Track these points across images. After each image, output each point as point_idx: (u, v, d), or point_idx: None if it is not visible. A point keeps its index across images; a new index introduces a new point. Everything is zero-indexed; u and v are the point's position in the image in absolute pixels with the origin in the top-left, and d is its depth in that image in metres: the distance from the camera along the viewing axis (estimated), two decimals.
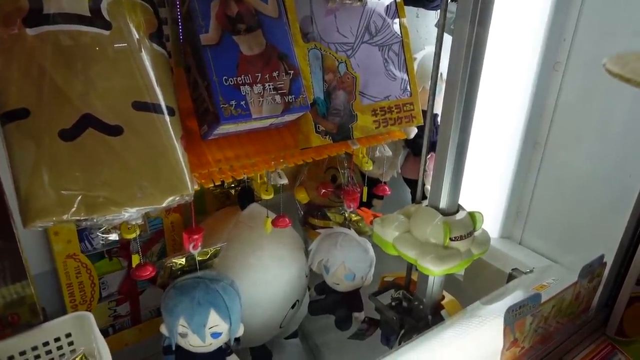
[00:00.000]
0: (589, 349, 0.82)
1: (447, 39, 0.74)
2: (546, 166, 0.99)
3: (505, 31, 0.93)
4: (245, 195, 1.01)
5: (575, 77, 0.91)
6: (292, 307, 0.99)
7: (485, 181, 1.07)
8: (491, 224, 1.10)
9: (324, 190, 1.09)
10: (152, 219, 0.99)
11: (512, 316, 0.66)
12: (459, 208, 0.82)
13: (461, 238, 0.78)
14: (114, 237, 0.88)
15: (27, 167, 0.58)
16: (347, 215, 1.05)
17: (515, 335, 0.68)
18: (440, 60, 0.80)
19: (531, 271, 0.95)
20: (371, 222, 1.06)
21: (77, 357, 0.58)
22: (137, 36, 0.65)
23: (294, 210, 1.20)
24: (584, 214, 0.93)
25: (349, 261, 0.97)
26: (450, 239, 0.76)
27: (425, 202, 0.84)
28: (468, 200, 1.09)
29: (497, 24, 0.94)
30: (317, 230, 1.14)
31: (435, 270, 0.77)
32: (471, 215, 0.82)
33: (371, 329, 1.02)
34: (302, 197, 1.13)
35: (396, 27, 0.92)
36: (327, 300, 1.05)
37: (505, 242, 1.10)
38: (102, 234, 0.88)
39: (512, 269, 0.99)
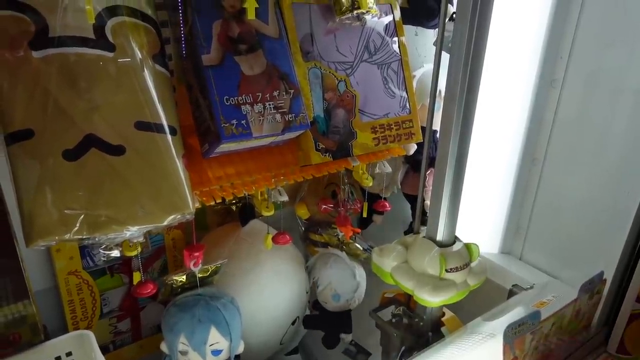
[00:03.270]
0: None
1: (445, 57, 0.75)
2: (545, 182, 0.99)
3: (503, 49, 0.94)
4: (246, 211, 1.02)
5: (572, 93, 0.92)
6: (293, 323, 0.99)
7: (485, 197, 1.08)
8: (491, 240, 1.10)
9: (324, 206, 1.10)
10: (153, 235, 1.00)
11: (512, 334, 0.66)
12: (455, 239, 0.83)
13: (457, 269, 0.78)
14: (115, 253, 0.89)
15: (31, 187, 0.59)
16: (341, 237, 1.06)
17: (515, 353, 0.68)
18: (439, 78, 0.81)
19: (531, 287, 0.95)
20: (350, 238, 1.08)
21: None
22: (140, 57, 0.66)
23: (295, 225, 1.20)
24: (583, 230, 0.94)
25: (335, 282, 1.01)
26: (446, 271, 0.77)
27: (423, 232, 0.84)
28: (468, 217, 1.10)
29: (495, 41, 0.95)
30: (317, 248, 1.15)
31: (431, 302, 0.77)
32: (467, 246, 0.82)
33: (361, 356, 1.03)
34: (303, 212, 1.13)
35: (395, 46, 0.94)
36: (319, 317, 1.06)
37: (505, 257, 1.10)
38: (104, 250, 0.89)
39: (513, 285, 0.99)
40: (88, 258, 0.92)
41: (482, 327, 0.79)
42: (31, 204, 0.58)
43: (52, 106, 0.60)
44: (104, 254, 0.91)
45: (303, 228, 1.18)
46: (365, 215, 1.08)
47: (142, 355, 1.04)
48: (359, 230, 1.11)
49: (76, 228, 0.60)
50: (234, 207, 1.07)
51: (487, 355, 0.71)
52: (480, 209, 1.08)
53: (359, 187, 1.14)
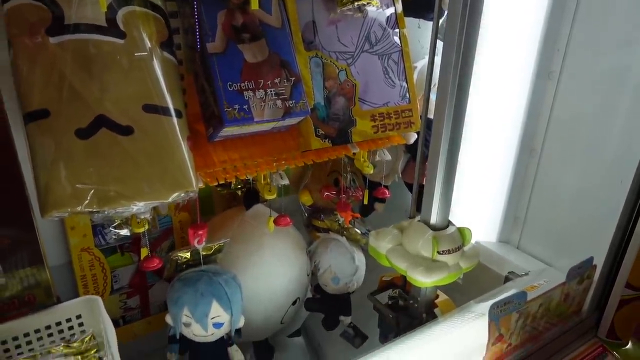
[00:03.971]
0: (579, 350, 0.84)
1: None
2: (542, 172, 1.01)
3: (501, 41, 0.96)
4: (250, 196, 1.06)
5: (569, 85, 0.93)
6: (293, 303, 1.03)
7: (483, 187, 1.10)
8: (489, 229, 1.12)
9: (326, 193, 1.13)
10: (161, 217, 1.04)
11: (497, 312, 0.69)
12: (449, 224, 0.85)
13: (449, 252, 0.81)
14: (125, 232, 0.94)
15: (46, 162, 0.63)
16: (341, 223, 1.10)
17: (501, 330, 0.71)
18: (437, 68, 0.84)
19: (527, 274, 0.97)
20: (349, 223, 1.11)
21: (86, 337, 0.63)
22: (149, 45, 0.71)
23: (299, 212, 1.24)
24: (578, 219, 0.96)
25: (335, 266, 1.04)
26: (439, 253, 0.80)
27: (419, 217, 0.87)
28: (467, 206, 1.13)
29: (492, 34, 0.98)
30: (319, 233, 1.18)
31: (424, 282, 0.80)
32: (460, 230, 0.85)
33: (358, 340, 1.06)
34: (306, 199, 1.17)
35: (396, 37, 0.97)
36: (320, 300, 1.09)
37: (503, 246, 1.12)
38: (115, 229, 0.94)
39: (509, 272, 1.01)
40: (100, 236, 0.97)
41: (473, 308, 0.82)
42: (46, 178, 0.63)
43: (66, 88, 0.65)
44: (115, 232, 0.96)
45: (306, 214, 1.22)
46: (366, 202, 1.11)
47: (150, 331, 1.10)
48: (359, 215, 1.14)
49: (87, 201, 0.65)
50: (239, 192, 1.11)
51: (474, 332, 0.73)
52: (479, 199, 1.10)
53: (360, 175, 1.18)
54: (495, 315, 0.69)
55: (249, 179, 1.08)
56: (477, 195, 1.09)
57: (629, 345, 0.87)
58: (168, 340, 0.87)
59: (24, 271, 0.58)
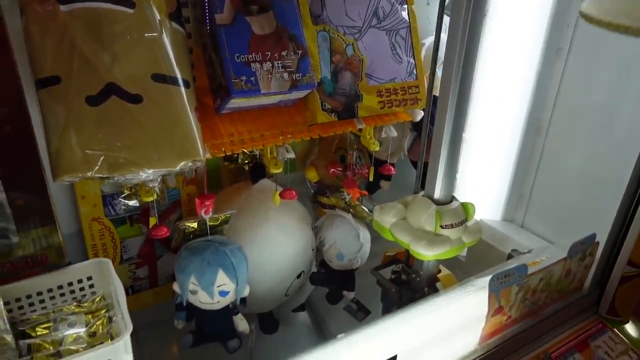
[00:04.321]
0: (579, 326, 0.85)
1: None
2: (548, 151, 1.01)
3: (510, 17, 0.96)
4: (257, 170, 1.07)
5: (577, 63, 0.93)
6: (298, 277, 1.04)
7: (489, 165, 1.10)
8: (494, 208, 1.13)
9: (332, 170, 1.14)
10: (170, 189, 1.06)
11: (497, 284, 0.70)
12: (452, 199, 0.86)
13: (452, 226, 0.82)
14: (134, 202, 0.97)
15: (57, 128, 0.65)
16: (347, 200, 1.11)
17: (501, 302, 0.72)
18: (443, 44, 0.84)
19: (529, 252, 0.98)
20: (357, 199, 1.12)
21: (97, 297, 0.66)
22: (157, 15, 0.71)
23: (305, 189, 1.26)
24: (583, 198, 0.96)
25: (340, 242, 1.04)
26: (441, 227, 0.81)
27: (423, 192, 0.88)
28: (472, 185, 1.13)
29: (501, 9, 0.97)
30: (325, 209, 1.20)
31: (426, 255, 0.81)
32: (464, 206, 0.86)
33: (361, 314, 1.07)
34: (313, 176, 1.18)
35: (404, 13, 0.96)
36: (325, 275, 1.11)
37: (507, 225, 1.12)
38: (124, 199, 0.96)
39: (512, 250, 1.02)
40: (110, 206, 0.99)
41: (474, 282, 0.83)
42: (58, 143, 0.65)
43: (77, 56, 0.66)
44: (124, 202, 0.99)
45: (312, 191, 1.23)
46: (371, 179, 1.12)
47: (158, 301, 1.12)
48: (366, 193, 1.15)
49: (97, 167, 0.66)
50: (246, 167, 1.13)
51: (474, 303, 0.75)
52: (484, 177, 1.11)
53: (367, 152, 1.18)
54: (496, 287, 0.70)
55: (255, 154, 1.09)
56: (482, 174, 1.10)
57: (629, 323, 0.87)
58: (175, 308, 0.89)
59: (37, 231, 0.60)
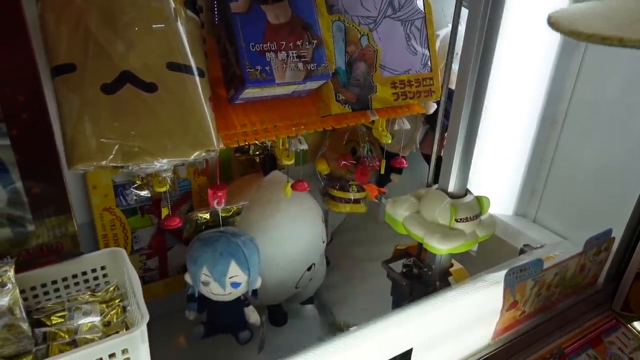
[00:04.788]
0: (593, 321, 0.85)
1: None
2: (563, 145, 1.00)
3: (528, 11, 0.94)
4: (268, 162, 1.07)
5: (595, 57, 0.91)
6: (308, 269, 1.04)
7: (502, 160, 1.09)
8: (507, 202, 1.12)
9: (343, 162, 1.13)
10: (181, 180, 1.06)
11: (513, 278, 0.69)
12: (467, 192, 0.85)
13: (467, 220, 0.81)
14: (145, 193, 0.96)
15: (72, 116, 0.64)
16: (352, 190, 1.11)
17: (516, 297, 0.71)
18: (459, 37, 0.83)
19: (542, 246, 0.97)
20: (376, 197, 1.11)
21: (111, 287, 0.66)
22: (172, 3, 0.71)
23: (315, 181, 1.25)
24: (597, 193, 0.95)
25: None
26: (456, 220, 0.80)
27: (436, 185, 0.87)
28: (485, 178, 1.12)
29: (519, 4, 0.96)
30: (335, 202, 1.19)
31: (440, 249, 0.81)
32: (478, 199, 0.85)
33: None
34: (323, 168, 1.18)
35: (419, 3, 0.95)
36: None
37: (519, 219, 1.12)
38: (136, 189, 0.96)
39: (524, 245, 1.01)
40: (121, 197, 0.99)
41: (487, 277, 0.82)
42: (72, 131, 0.64)
43: (92, 43, 0.65)
44: (136, 193, 0.98)
45: (322, 183, 1.22)
46: (382, 172, 1.12)
47: (168, 293, 1.12)
48: (385, 190, 1.15)
49: (112, 156, 0.66)
50: (257, 159, 1.12)
51: (488, 298, 0.74)
52: (497, 171, 1.10)
53: (378, 145, 1.17)
54: (511, 281, 0.69)
55: (267, 146, 1.09)
56: (495, 167, 1.09)
57: None
58: (187, 299, 0.89)
59: (52, 220, 0.60)
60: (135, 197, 1.00)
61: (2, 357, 0.52)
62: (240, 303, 0.89)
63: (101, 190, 0.96)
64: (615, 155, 0.91)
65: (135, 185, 0.96)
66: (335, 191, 1.19)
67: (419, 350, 0.61)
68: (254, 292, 0.89)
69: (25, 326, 0.55)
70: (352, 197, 1.18)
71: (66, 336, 0.57)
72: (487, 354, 0.71)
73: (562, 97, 0.98)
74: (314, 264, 1.06)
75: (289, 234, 0.99)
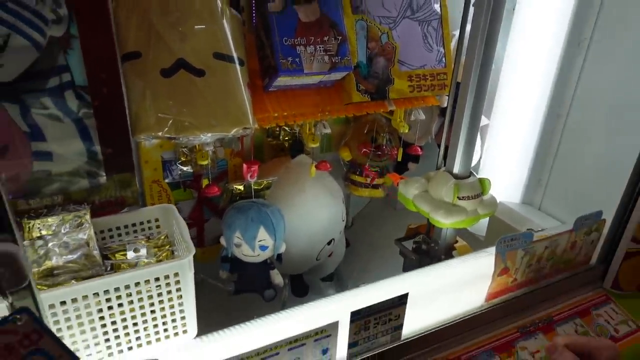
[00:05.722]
0: (584, 296, 0.93)
1: None
2: (567, 137, 1.08)
3: (536, 11, 1.03)
4: (295, 146, 1.19)
5: (598, 53, 0.99)
6: (328, 243, 1.16)
7: (510, 150, 1.18)
8: (514, 191, 1.21)
9: (364, 150, 1.25)
10: (219, 160, 1.19)
11: (504, 246, 0.79)
12: (470, 174, 0.95)
13: (468, 198, 0.91)
14: (188, 168, 1.11)
15: (137, 95, 0.79)
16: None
17: (507, 264, 0.81)
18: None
19: (542, 230, 1.05)
20: (398, 184, 1.22)
21: (162, 236, 0.79)
22: (219, 3, 0.84)
23: (339, 169, 1.37)
24: (597, 182, 1.02)
25: None
26: (459, 198, 0.90)
27: (444, 168, 0.98)
28: (494, 168, 1.21)
29: (527, 4, 1.05)
30: (355, 186, 1.31)
31: (444, 222, 0.91)
32: (481, 181, 0.94)
33: None
34: (346, 155, 1.29)
35: (436, 5, 1.05)
36: None
37: (526, 207, 1.20)
38: (181, 165, 1.10)
39: (527, 229, 1.09)
40: (168, 171, 1.14)
41: (486, 250, 0.92)
42: (137, 108, 0.79)
43: (154, 35, 0.80)
44: (180, 168, 1.13)
45: (345, 169, 1.34)
46: (400, 159, 1.22)
47: (204, 262, 1.26)
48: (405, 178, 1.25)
49: (167, 128, 0.80)
50: (286, 144, 1.25)
51: (483, 264, 0.84)
52: (506, 162, 1.19)
53: (396, 135, 1.28)
54: (502, 249, 0.79)
55: (295, 132, 1.21)
56: (504, 158, 1.17)
57: (633, 297, 0.94)
58: (221, 260, 1.02)
59: (119, 176, 0.74)
60: (179, 172, 1.14)
61: (81, 278, 0.66)
62: (266, 266, 1.01)
63: (151, 164, 1.10)
64: (611, 146, 0.99)
65: (180, 161, 1.11)
66: (356, 176, 1.30)
67: (415, 299, 0.71)
68: (279, 256, 1.01)
69: (97, 256, 0.69)
70: (371, 183, 1.29)
71: (127, 267, 0.71)
72: (480, 313, 0.80)
73: (565, 92, 1.06)
74: (333, 239, 1.17)
75: (312, 210, 1.11)
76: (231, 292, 1.02)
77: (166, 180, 1.14)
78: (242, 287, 1.03)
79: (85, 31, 0.64)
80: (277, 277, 1.03)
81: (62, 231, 0.69)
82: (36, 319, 0.42)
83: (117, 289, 0.61)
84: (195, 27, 0.82)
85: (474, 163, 0.98)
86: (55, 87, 0.65)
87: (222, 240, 0.99)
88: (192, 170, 1.12)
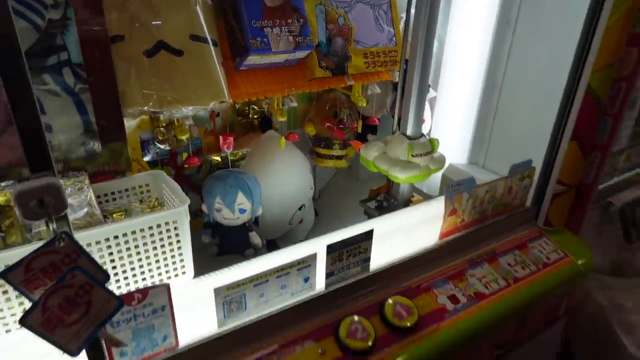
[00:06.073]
0: (521, 233, 1.09)
1: None
2: (502, 103, 1.24)
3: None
4: (265, 122, 1.30)
5: (524, 30, 1.15)
6: (299, 208, 1.28)
7: (456, 118, 1.33)
8: (461, 153, 1.36)
9: (327, 124, 1.37)
10: (194, 138, 1.28)
11: (452, 191, 0.93)
12: (422, 135, 1.09)
13: (420, 155, 1.05)
14: (165, 146, 1.19)
15: (123, 74, 0.87)
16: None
17: (455, 205, 0.95)
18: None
19: None
20: (360, 150, 1.35)
21: (153, 199, 0.88)
22: None
23: (304, 142, 1.48)
24: (528, 139, 1.19)
25: None
26: (412, 156, 1.04)
27: (399, 132, 1.11)
28: (443, 134, 1.36)
29: None
30: (320, 158, 1.43)
31: (401, 177, 1.04)
32: (430, 140, 1.09)
33: None
34: (310, 130, 1.41)
35: None
36: None
37: (472, 167, 1.36)
38: (158, 143, 1.19)
39: None
40: (146, 150, 1.22)
41: (437, 198, 1.06)
42: (123, 86, 0.87)
43: (136, 20, 0.88)
44: (158, 146, 1.21)
45: (310, 143, 1.46)
46: (359, 130, 1.35)
47: None
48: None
49: (151, 103, 0.89)
50: (255, 122, 1.35)
51: (434, 208, 0.98)
52: (453, 128, 1.34)
53: (356, 110, 1.41)
54: (450, 193, 0.93)
55: (264, 110, 1.32)
56: (451, 125, 1.33)
57: (561, 232, 1.11)
58: (203, 226, 1.12)
59: (113, 145, 0.83)
60: (157, 151, 1.22)
61: None
62: (245, 229, 1.12)
63: (131, 144, 1.17)
64: (538, 109, 1.15)
65: (157, 140, 1.19)
66: (321, 149, 1.42)
67: (380, 238, 0.84)
68: (256, 220, 1.12)
69: (99, 214, 0.78)
70: (335, 154, 1.41)
71: None
72: (435, 249, 0.95)
73: (499, 64, 1.22)
74: (303, 204, 1.29)
75: (283, 178, 1.23)
76: (214, 254, 1.12)
77: (145, 159, 1.22)
78: (224, 249, 1.13)
79: (80, 14, 0.72)
80: (255, 238, 1.14)
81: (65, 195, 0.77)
82: (75, 241, 0.52)
83: (124, 235, 0.70)
84: (172, 12, 0.91)
85: (425, 131, 1.12)
86: (54, 65, 0.73)
87: (204, 207, 1.09)
88: (169, 148, 1.21)
